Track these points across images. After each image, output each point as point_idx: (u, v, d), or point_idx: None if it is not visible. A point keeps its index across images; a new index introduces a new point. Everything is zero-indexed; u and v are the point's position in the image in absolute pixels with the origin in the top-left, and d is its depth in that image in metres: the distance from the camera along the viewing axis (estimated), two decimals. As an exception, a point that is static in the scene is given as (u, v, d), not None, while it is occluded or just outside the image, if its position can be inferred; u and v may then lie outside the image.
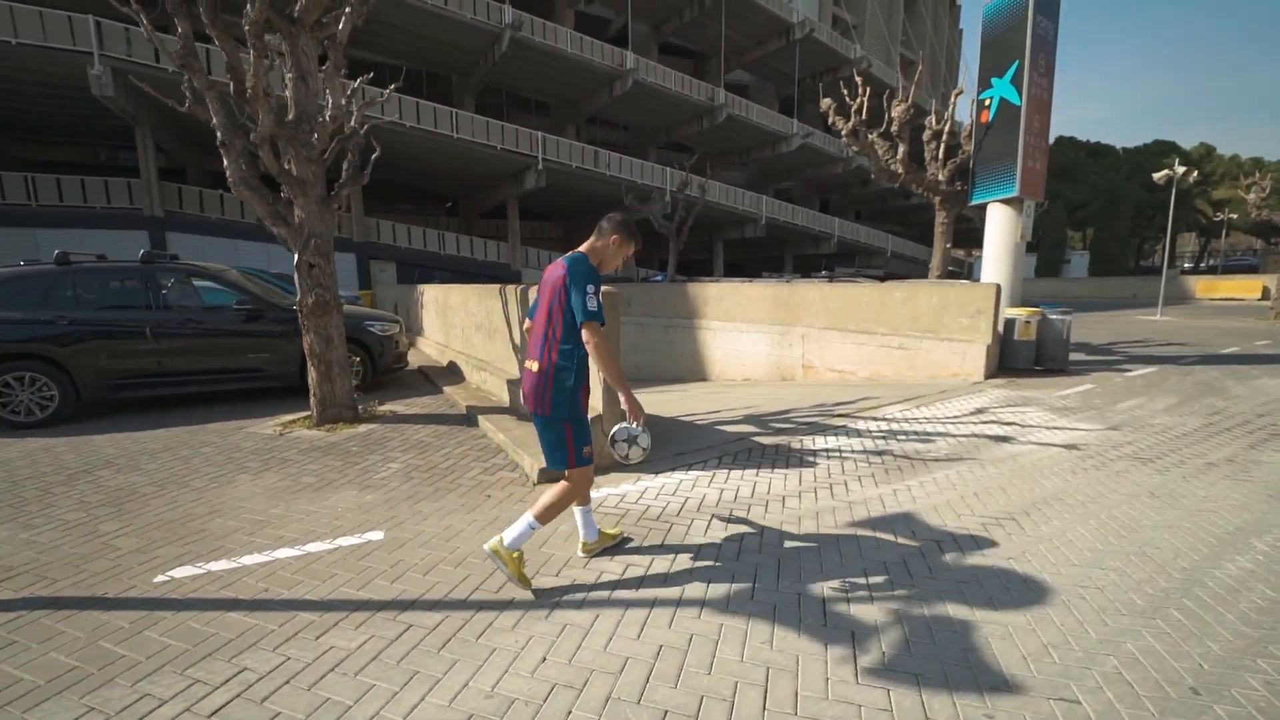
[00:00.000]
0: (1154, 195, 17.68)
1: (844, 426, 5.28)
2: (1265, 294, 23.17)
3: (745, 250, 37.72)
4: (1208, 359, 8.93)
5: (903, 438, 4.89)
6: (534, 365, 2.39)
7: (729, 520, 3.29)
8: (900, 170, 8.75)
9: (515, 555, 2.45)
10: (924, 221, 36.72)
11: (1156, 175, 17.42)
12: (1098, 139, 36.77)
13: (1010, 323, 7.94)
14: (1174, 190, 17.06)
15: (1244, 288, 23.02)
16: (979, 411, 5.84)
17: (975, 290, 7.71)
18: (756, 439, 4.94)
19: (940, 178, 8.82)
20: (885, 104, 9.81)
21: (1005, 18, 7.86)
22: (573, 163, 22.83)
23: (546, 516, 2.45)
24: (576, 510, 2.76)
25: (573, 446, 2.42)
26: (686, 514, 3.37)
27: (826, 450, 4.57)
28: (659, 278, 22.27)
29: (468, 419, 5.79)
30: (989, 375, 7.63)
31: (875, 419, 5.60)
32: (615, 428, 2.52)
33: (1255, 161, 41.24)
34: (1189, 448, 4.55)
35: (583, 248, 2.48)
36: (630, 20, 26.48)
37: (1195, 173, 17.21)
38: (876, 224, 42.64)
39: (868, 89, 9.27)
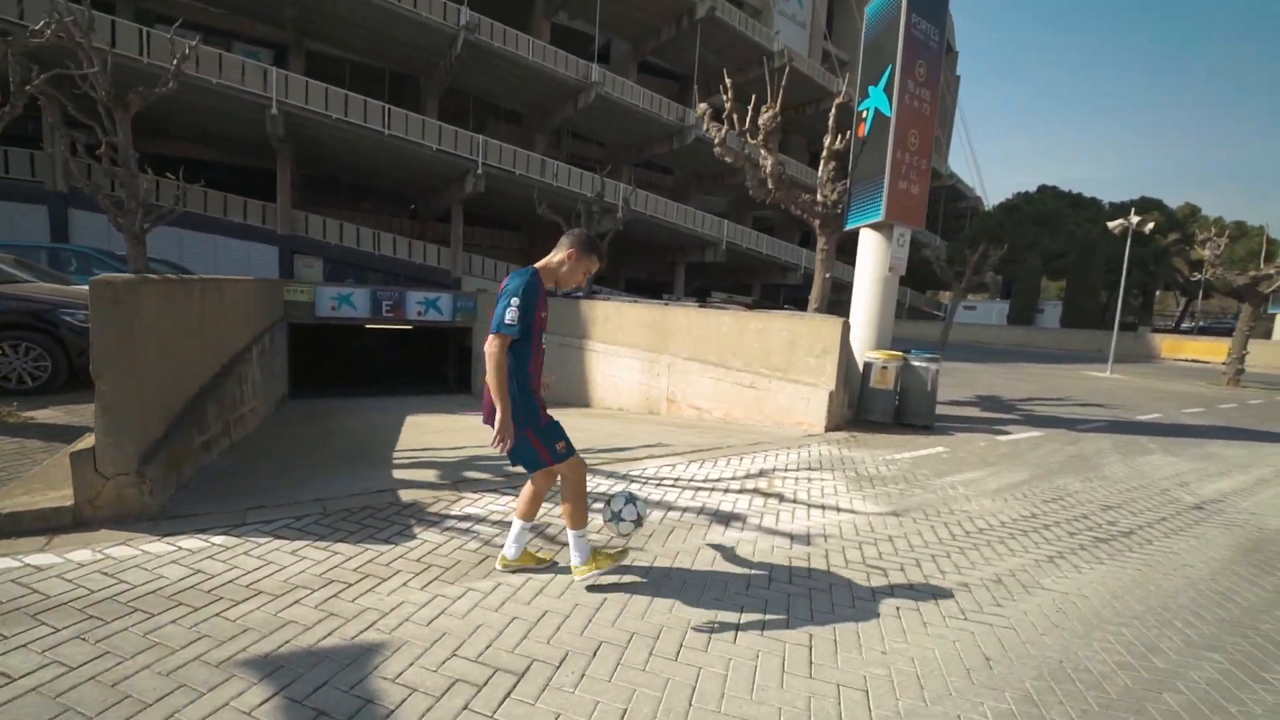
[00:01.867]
0: (1132, 250, 16.79)
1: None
2: (1231, 358, 22.14)
3: (710, 275, 36.72)
4: (1115, 425, 7.75)
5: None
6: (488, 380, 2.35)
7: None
8: (771, 187, 7.70)
9: (590, 565, 2.55)
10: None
11: (1112, 224, 16.49)
12: (1093, 194, 35.93)
13: (868, 367, 6.78)
14: (1129, 241, 16.10)
15: (1210, 350, 22.00)
16: (761, 474, 4.63)
17: (824, 326, 6.56)
18: (407, 491, 3.72)
19: (829, 199, 7.77)
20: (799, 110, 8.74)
21: (881, 17, 6.87)
22: (516, 170, 21.89)
23: (579, 518, 2.51)
24: (515, 522, 2.66)
25: (543, 447, 2.41)
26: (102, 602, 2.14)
27: (459, 518, 3.34)
28: (579, 294, 21.00)
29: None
30: (833, 426, 6.44)
31: (627, 476, 4.39)
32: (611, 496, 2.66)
33: (1238, 225, 40.68)
34: (969, 552, 3.33)
35: (539, 263, 2.45)
36: (598, 34, 25.76)
37: (1151, 225, 16.26)
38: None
39: (754, 96, 8.26)
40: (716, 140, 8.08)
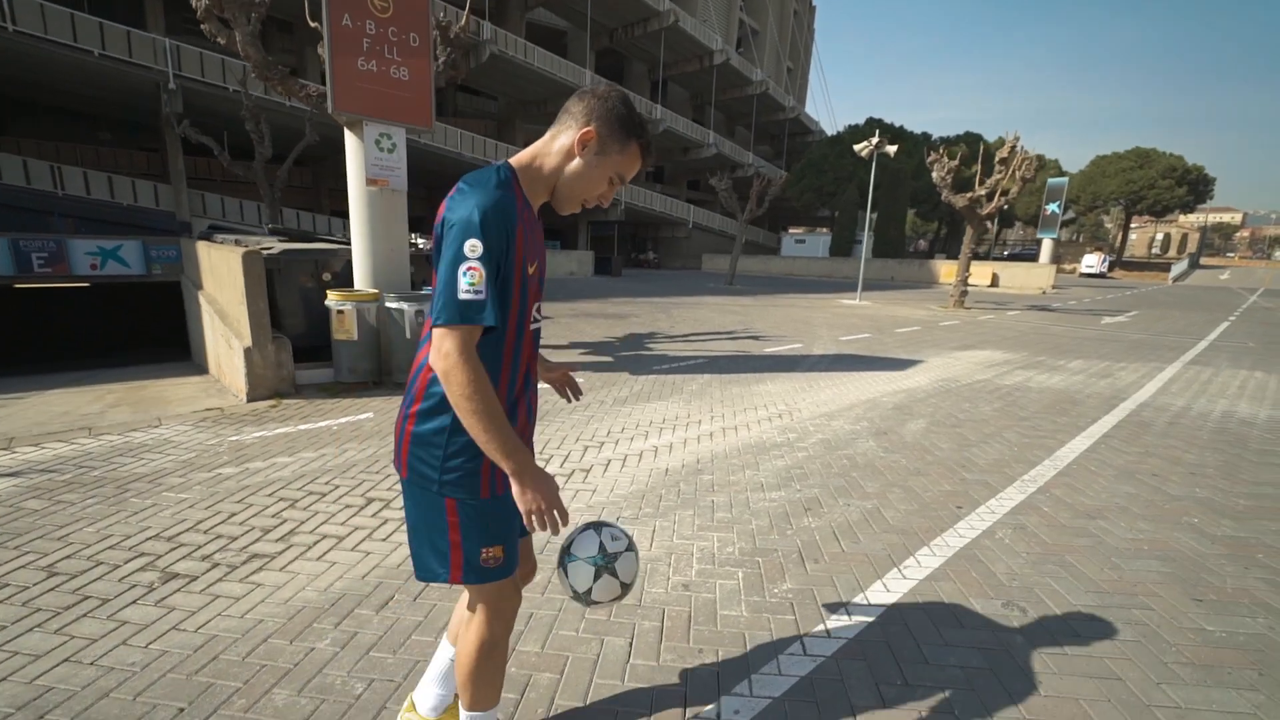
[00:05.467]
0: (926, 179, 17.20)
1: None
2: (994, 280, 23.68)
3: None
4: (737, 361, 6.86)
5: None
6: (410, 389, 1.20)
7: None
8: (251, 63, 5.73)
9: None
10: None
11: (857, 146, 16.19)
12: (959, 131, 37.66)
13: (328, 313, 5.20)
14: (874, 165, 15.95)
15: (979, 274, 23.40)
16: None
17: (230, 257, 4.82)
18: None
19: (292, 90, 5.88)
20: None
21: None
22: (230, 86, 17.89)
23: (483, 694, 1.29)
24: (443, 648, 1.45)
25: (459, 537, 1.17)
26: None
27: None
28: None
29: None
30: (264, 394, 4.85)
31: None
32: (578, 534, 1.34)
33: (1039, 159, 43.65)
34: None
35: (518, 157, 1.17)
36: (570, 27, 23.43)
37: (894, 149, 16.15)
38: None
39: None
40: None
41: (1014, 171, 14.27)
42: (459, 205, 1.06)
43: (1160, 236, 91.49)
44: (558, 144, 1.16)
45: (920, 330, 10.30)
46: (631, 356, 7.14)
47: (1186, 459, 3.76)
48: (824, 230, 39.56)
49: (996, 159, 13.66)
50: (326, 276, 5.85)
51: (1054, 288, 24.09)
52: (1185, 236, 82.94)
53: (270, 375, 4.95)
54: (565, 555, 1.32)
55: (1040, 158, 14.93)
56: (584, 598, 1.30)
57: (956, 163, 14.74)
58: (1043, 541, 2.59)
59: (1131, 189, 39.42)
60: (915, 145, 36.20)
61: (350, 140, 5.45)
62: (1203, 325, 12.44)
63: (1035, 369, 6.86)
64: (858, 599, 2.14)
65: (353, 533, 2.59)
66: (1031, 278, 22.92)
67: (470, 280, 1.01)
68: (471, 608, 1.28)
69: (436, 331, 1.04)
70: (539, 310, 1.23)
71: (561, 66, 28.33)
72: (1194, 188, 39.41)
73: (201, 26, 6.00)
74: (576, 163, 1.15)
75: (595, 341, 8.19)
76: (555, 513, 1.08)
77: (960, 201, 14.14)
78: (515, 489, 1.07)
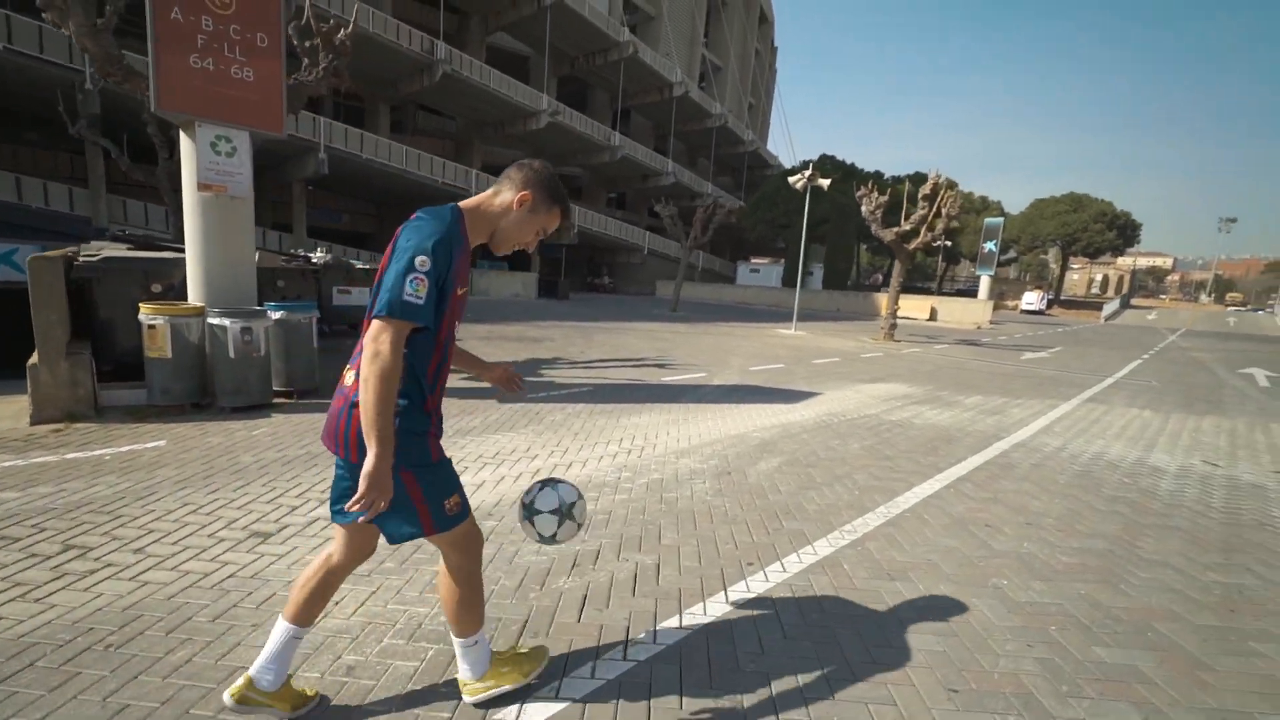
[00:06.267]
0: (894, 217, 17.83)
1: None
2: (933, 314, 24.25)
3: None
4: (625, 390, 6.51)
5: None
6: (348, 376, 1.44)
7: None
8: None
9: (489, 680, 1.64)
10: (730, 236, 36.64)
11: (792, 179, 16.45)
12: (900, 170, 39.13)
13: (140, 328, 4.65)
14: (807, 197, 16.22)
15: (918, 307, 23.96)
16: None
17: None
18: None
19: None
20: None
21: None
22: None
23: (465, 623, 1.60)
24: (281, 625, 1.55)
25: (424, 502, 1.44)
26: None
27: None
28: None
29: None
30: (48, 417, 4.25)
31: None
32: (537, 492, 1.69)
33: (979, 197, 45.74)
34: None
35: (467, 202, 1.49)
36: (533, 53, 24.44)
37: (826, 181, 16.49)
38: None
39: None
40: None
41: (939, 208, 14.60)
42: (415, 230, 1.34)
43: (1099, 277, 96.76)
44: (499, 199, 1.49)
45: (838, 362, 10.21)
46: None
47: (1031, 507, 3.54)
48: (780, 261, 40.32)
49: (920, 196, 13.94)
50: (157, 288, 5.29)
51: (991, 323, 24.81)
52: (1121, 278, 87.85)
53: (63, 395, 4.36)
54: (529, 510, 1.65)
55: (962, 194, 15.39)
56: (550, 540, 1.66)
57: (886, 198, 15.05)
58: (818, 611, 2.26)
59: (1067, 231, 41.50)
60: (865, 181, 37.54)
61: (185, 142, 4.99)
62: (1116, 362, 12.77)
63: (930, 404, 6.72)
64: (545, 689, 1.75)
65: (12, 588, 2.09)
66: (968, 313, 23.54)
67: (415, 288, 1.29)
68: (445, 554, 1.56)
69: (377, 322, 1.29)
70: (458, 325, 1.52)
71: (518, 90, 28.37)
72: (1123, 232, 41.75)
73: (44, 15, 5.51)
74: (513, 216, 1.48)
75: (491, 366, 7.76)
76: (374, 504, 1.31)
77: (888, 236, 14.37)
78: (369, 469, 1.29)
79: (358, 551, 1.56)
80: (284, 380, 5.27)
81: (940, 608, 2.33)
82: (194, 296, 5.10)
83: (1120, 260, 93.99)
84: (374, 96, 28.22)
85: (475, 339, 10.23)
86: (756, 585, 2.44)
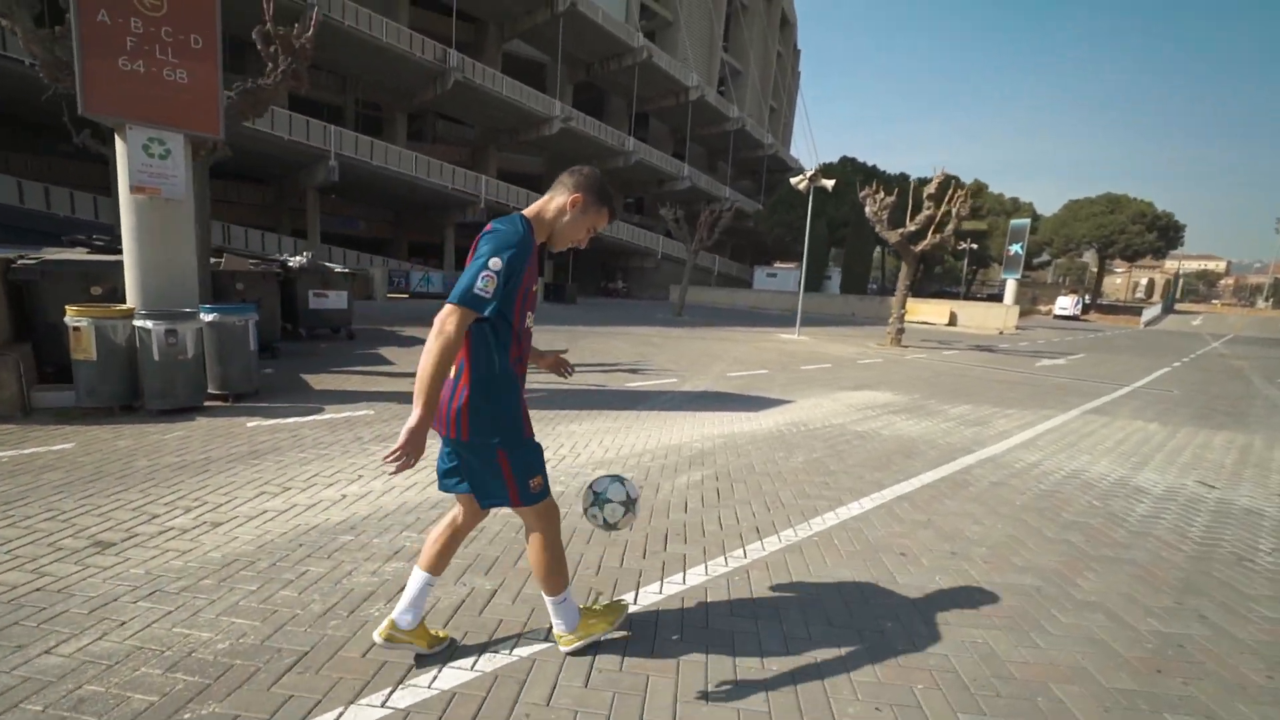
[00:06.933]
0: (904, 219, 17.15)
1: None
2: (952, 319, 23.28)
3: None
4: (584, 396, 6.26)
5: None
6: (452, 369, 1.66)
7: None
8: None
9: (580, 631, 1.93)
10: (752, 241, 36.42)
11: (794, 180, 15.95)
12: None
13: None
14: (810, 200, 15.69)
15: (937, 312, 23.00)
16: None
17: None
18: None
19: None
20: None
21: None
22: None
23: (554, 581, 1.87)
24: (417, 574, 1.87)
25: (513, 478, 1.72)
26: None
27: None
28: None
29: None
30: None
31: None
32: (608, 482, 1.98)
33: (1013, 200, 44.17)
34: None
35: (529, 209, 1.74)
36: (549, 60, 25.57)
37: (830, 182, 15.90)
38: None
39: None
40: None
41: (950, 207, 13.95)
42: (493, 238, 1.59)
43: (1144, 281, 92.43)
44: (554, 204, 1.73)
45: (829, 368, 9.75)
46: (471, 388, 6.53)
47: (966, 533, 3.14)
48: (799, 265, 39.53)
49: (926, 195, 13.33)
50: (96, 290, 5.27)
51: (1017, 329, 23.73)
52: (1167, 282, 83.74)
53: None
54: (599, 498, 1.92)
55: (991, 195, 14.64)
56: (612, 528, 1.94)
57: (893, 199, 14.46)
58: (608, 666, 1.95)
59: (1102, 233, 39.64)
60: (889, 185, 36.54)
61: (118, 145, 4.94)
62: (1140, 370, 11.95)
63: (909, 414, 6.27)
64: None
65: None
66: (990, 318, 22.53)
67: (484, 284, 1.53)
68: (529, 524, 1.82)
69: (448, 306, 1.52)
70: (532, 316, 1.78)
71: (531, 97, 28.53)
72: (1164, 233, 39.66)
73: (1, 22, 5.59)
74: (568, 217, 1.72)
75: (456, 371, 7.59)
76: (407, 460, 1.49)
77: (893, 237, 13.79)
78: (410, 426, 1.48)
79: (474, 514, 1.87)
80: (219, 384, 5.18)
81: (791, 655, 1.99)
82: (132, 299, 5.06)
83: (1167, 263, 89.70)
84: (391, 106, 28.79)
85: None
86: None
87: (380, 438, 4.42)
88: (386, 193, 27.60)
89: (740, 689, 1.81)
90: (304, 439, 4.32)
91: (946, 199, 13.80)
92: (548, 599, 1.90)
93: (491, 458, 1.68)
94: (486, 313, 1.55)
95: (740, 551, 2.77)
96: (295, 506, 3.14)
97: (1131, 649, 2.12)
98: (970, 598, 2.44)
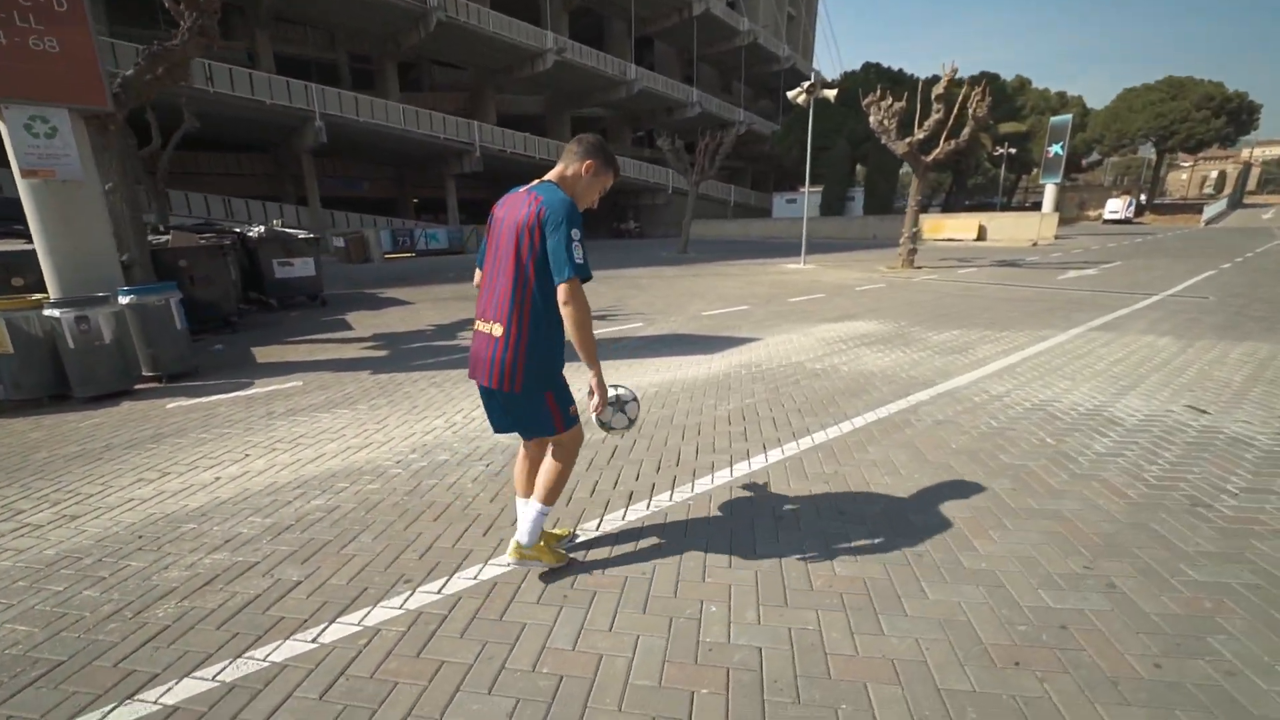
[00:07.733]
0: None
1: None
2: (981, 233, 21.62)
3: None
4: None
5: None
6: (495, 329, 1.87)
7: None
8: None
9: (540, 546, 2.14)
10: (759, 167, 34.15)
11: (791, 93, 14.54)
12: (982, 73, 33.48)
13: (-23, 321, 4.52)
14: (810, 113, 14.35)
15: (964, 226, 21.35)
16: None
17: None
18: None
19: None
20: None
21: None
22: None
23: (550, 495, 2.07)
24: (531, 508, 2.09)
25: (558, 410, 1.97)
26: None
27: None
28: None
29: None
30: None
31: None
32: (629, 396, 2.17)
33: (1060, 96, 40.14)
34: None
35: (551, 176, 1.94)
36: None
37: (832, 93, 14.40)
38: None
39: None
40: None
41: (968, 109, 12.55)
42: (557, 210, 1.78)
43: (1214, 174, 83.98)
44: (570, 170, 1.94)
45: (821, 299, 9.14)
46: (418, 349, 6.33)
47: (872, 487, 2.77)
48: (818, 189, 37.28)
49: (934, 96, 11.97)
50: (18, 281, 5.19)
51: (1057, 238, 21.95)
52: (1240, 172, 75.86)
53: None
54: (620, 402, 2.10)
55: (1036, 91, 13.06)
56: (629, 429, 2.18)
57: (903, 104, 13.09)
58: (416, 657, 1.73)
59: (1161, 123, 35.61)
60: (915, 91, 33.47)
61: (2, 128, 4.69)
62: (1179, 275, 10.83)
63: (884, 345, 5.77)
64: None
65: None
66: (1023, 229, 20.83)
67: (580, 252, 1.77)
68: (561, 443, 2.03)
69: (566, 285, 1.76)
70: None
71: (520, 30, 26.91)
72: (1234, 118, 35.33)
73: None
74: (584, 181, 1.96)
75: (413, 330, 7.40)
76: (603, 401, 1.91)
77: (900, 148, 12.58)
78: (594, 383, 1.88)
79: (537, 446, 2.15)
80: (150, 365, 5.11)
81: (579, 653, 1.73)
82: (51, 287, 4.96)
83: (1243, 153, 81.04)
84: (381, 57, 27.70)
85: (442, 300, 9.90)
86: (385, 610, 1.93)
87: (292, 411, 4.28)
88: (382, 149, 27.02)
89: (507, 691, 1.57)
90: (215, 417, 4.21)
91: (961, 99, 12.40)
92: (536, 506, 2.05)
93: (542, 403, 1.92)
94: (589, 276, 1.79)
95: (591, 525, 2.49)
96: (161, 494, 3.02)
97: (997, 634, 1.77)
98: (828, 571, 2.11)
